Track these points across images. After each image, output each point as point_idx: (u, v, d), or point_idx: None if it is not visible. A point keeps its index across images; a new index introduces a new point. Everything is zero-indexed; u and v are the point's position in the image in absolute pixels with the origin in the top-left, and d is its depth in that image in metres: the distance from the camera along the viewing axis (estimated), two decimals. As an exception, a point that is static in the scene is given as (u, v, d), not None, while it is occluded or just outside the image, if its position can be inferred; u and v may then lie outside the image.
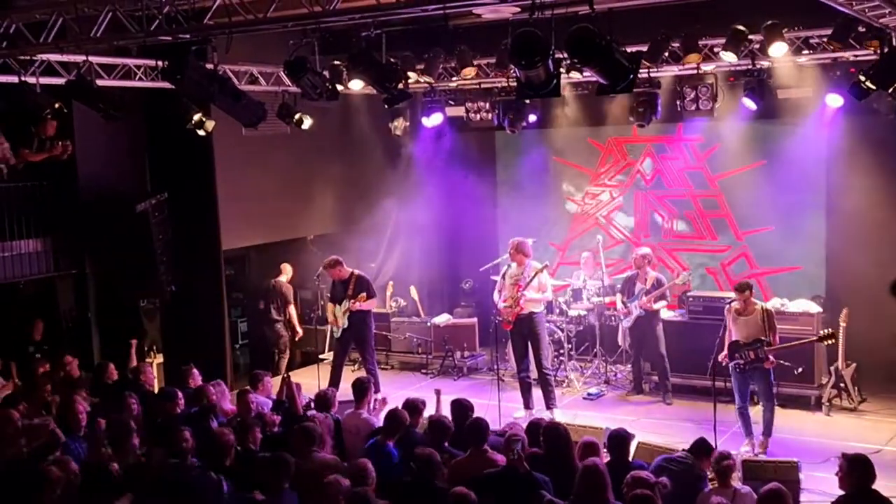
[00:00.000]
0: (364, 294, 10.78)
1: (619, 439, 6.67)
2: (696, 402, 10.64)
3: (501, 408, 9.73)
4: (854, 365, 10.30)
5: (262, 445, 6.96)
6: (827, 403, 10.22)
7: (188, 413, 7.90)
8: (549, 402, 10.27)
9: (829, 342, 9.29)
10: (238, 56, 9.78)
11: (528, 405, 10.44)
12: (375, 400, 9.75)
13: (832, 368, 10.25)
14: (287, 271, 12.63)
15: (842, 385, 10.23)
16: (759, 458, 8.25)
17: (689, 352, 10.73)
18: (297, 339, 12.60)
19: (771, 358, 8.81)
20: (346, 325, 10.87)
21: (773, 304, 10.53)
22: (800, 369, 10.13)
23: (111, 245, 11.10)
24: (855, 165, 11.07)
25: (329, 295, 11.35)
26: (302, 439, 6.61)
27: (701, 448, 6.68)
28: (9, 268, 10.45)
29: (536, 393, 10.43)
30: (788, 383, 10.12)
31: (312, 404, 8.31)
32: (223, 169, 11.68)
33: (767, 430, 9.05)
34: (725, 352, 9.02)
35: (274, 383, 9.08)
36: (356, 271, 11.04)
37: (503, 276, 10.43)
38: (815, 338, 9.27)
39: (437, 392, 8.32)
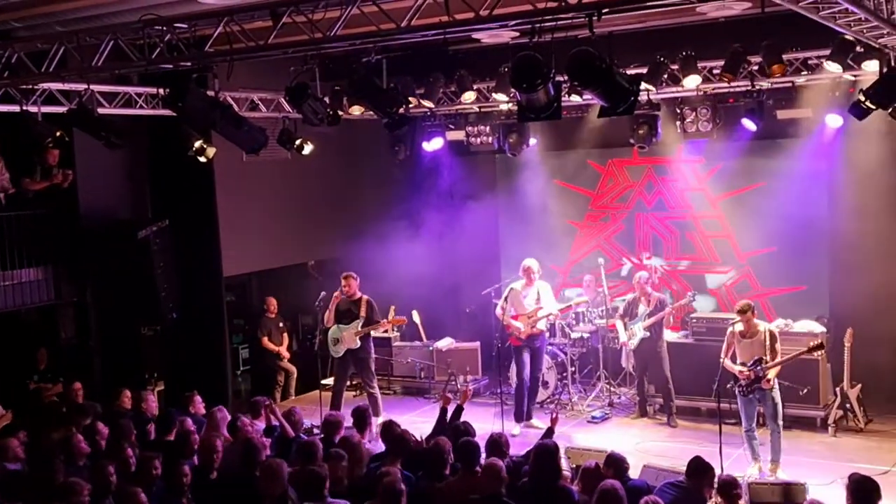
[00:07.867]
0: (378, 322, 10.95)
1: (613, 459, 6.65)
2: (702, 423, 10.57)
3: (505, 432, 9.65)
4: (859, 385, 10.24)
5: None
6: (833, 424, 10.15)
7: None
8: (531, 414, 10.88)
9: (819, 353, 9.32)
10: (239, 83, 9.83)
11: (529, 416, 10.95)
12: (378, 425, 9.68)
13: (837, 389, 10.20)
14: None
15: (848, 406, 10.18)
16: (765, 481, 8.18)
17: (694, 373, 10.67)
18: (282, 361, 12.70)
19: (769, 377, 8.71)
20: (357, 346, 10.83)
21: (778, 324, 10.49)
22: (805, 390, 10.07)
23: (112, 272, 11.07)
24: (856, 185, 11.07)
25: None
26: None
27: (698, 469, 6.42)
28: (10, 297, 10.43)
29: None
30: (794, 404, 10.04)
31: (315, 430, 8.25)
32: (224, 195, 11.70)
33: (776, 455, 8.92)
34: (739, 369, 8.83)
35: (282, 406, 9.05)
36: (365, 296, 11.01)
37: (511, 295, 10.75)
38: (805, 349, 9.02)
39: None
